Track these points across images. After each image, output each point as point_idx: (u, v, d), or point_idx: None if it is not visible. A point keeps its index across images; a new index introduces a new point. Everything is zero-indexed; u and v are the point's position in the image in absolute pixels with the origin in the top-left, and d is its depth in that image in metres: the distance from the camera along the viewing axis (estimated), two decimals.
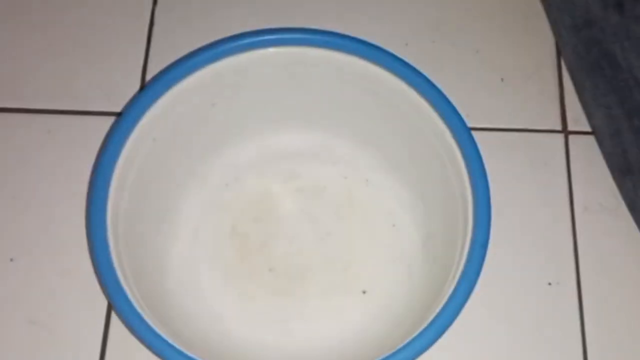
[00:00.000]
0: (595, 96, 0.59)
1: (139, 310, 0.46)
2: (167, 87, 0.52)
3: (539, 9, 0.65)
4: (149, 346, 0.46)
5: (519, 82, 0.62)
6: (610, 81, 0.58)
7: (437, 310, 0.46)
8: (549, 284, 0.56)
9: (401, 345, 0.45)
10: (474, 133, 0.51)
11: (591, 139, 0.60)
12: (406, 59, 0.52)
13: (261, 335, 0.53)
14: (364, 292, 0.55)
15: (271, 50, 0.53)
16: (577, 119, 0.61)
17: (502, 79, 0.62)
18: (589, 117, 0.60)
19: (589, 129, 0.61)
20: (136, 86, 0.61)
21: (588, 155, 0.60)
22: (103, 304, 0.54)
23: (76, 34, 0.63)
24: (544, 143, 0.60)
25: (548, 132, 0.61)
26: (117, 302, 0.47)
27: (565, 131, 0.61)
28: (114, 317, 0.54)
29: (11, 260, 0.56)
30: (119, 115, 0.59)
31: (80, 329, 0.54)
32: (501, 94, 0.62)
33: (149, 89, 0.52)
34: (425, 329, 0.46)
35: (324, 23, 0.55)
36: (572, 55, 0.60)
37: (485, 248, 0.48)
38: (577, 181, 0.59)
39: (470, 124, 0.51)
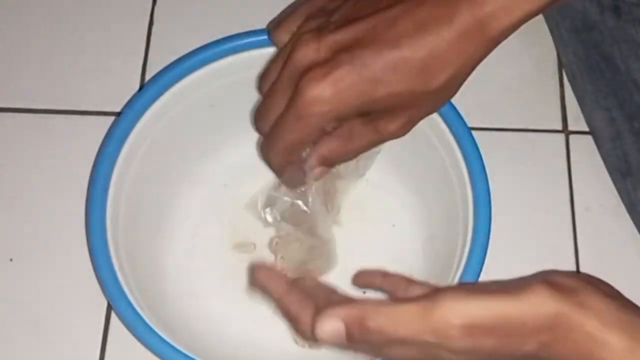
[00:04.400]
0: (596, 99, 0.58)
1: (139, 310, 0.46)
2: (166, 87, 0.52)
3: None
4: (149, 346, 0.46)
5: (519, 81, 0.62)
6: (609, 84, 0.58)
7: None
8: None
9: None
10: (474, 133, 0.51)
11: (592, 139, 0.60)
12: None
13: (261, 336, 0.53)
14: (364, 292, 0.55)
15: (271, 50, 0.53)
16: (578, 118, 0.61)
17: (502, 79, 0.62)
18: (589, 119, 0.60)
19: (589, 129, 0.60)
20: (135, 86, 0.61)
21: (589, 155, 0.60)
22: (103, 304, 0.54)
23: (76, 34, 0.63)
24: (544, 143, 0.60)
25: (548, 132, 0.61)
26: (116, 303, 0.47)
27: (565, 131, 0.61)
28: (114, 317, 0.54)
29: (11, 260, 0.56)
30: (118, 115, 0.59)
31: (80, 329, 0.54)
32: (501, 94, 0.61)
33: (148, 89, 0.52)
34: None
35: None
36: (573, 59, 0.60)
37: (485, 248, 0.48)
38: (578, 181, 0.59)
39: (470, 124, 0.51)
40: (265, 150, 0.46)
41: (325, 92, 0.40)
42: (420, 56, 0.40)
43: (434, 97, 0.43)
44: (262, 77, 0.47)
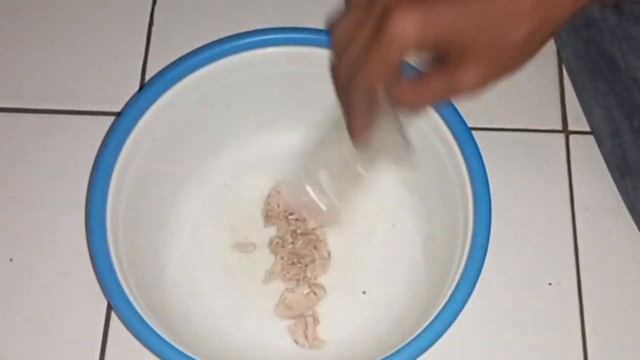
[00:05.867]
0: (595, 97, 0.58)
1: (139, 310, 0.46)
2: (167, 87, 0.52)
3: None
4: (149, 346, 0.46)
5: (519, 82, 0.62)
6: (609, 82, 0.58)
7: (438, 310, 0.46)
8: (549, 284, 0.56)
9: (401, 345, 0.45)
10: (474, 133, 0.51)
11: (592, 139, 0.60)
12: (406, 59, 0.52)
13: (261, 336, 0.53)
14: (364, 293, 0.55)
15: (270, 50, 0.53)
16: (578, 118, 0.61)
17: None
18: (589, 118, 0.60)
19: (589, 129, 0.60)
20: (135, 86, 0.61)
21: (589, 155, 0.60)
22: (103, 304, 0.54)
23: (76, 33, 0.63)
24: (544, 143, 0.60)
25: (549, 132, 0.61)
26: (116, 303, 0.47)
27: (565, 131, 0.61)
28: (114, 317, 0.54)
29: (11, 260, 0.56)
30: (118, 115, 0.59)
31: (80, 329, 0.54)
32: (501, 94, 0.61)
33: (148, 88, 0.52)
34: (426, 329, 0.46)
35: (324, 23, 0.55)
36: (572, 56, 0.60)
37: (485, 248, 0.48)
38: (578, 181, 0.59)
39: (470, 124, 0.51)
40: (352, 86, 0.45)
41: (413, 17, 0.41)
42: (504, 4, 0.41)
43: (513, 50, 0.43)
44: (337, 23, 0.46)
